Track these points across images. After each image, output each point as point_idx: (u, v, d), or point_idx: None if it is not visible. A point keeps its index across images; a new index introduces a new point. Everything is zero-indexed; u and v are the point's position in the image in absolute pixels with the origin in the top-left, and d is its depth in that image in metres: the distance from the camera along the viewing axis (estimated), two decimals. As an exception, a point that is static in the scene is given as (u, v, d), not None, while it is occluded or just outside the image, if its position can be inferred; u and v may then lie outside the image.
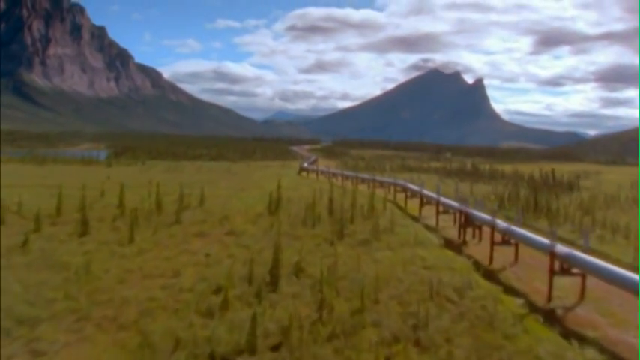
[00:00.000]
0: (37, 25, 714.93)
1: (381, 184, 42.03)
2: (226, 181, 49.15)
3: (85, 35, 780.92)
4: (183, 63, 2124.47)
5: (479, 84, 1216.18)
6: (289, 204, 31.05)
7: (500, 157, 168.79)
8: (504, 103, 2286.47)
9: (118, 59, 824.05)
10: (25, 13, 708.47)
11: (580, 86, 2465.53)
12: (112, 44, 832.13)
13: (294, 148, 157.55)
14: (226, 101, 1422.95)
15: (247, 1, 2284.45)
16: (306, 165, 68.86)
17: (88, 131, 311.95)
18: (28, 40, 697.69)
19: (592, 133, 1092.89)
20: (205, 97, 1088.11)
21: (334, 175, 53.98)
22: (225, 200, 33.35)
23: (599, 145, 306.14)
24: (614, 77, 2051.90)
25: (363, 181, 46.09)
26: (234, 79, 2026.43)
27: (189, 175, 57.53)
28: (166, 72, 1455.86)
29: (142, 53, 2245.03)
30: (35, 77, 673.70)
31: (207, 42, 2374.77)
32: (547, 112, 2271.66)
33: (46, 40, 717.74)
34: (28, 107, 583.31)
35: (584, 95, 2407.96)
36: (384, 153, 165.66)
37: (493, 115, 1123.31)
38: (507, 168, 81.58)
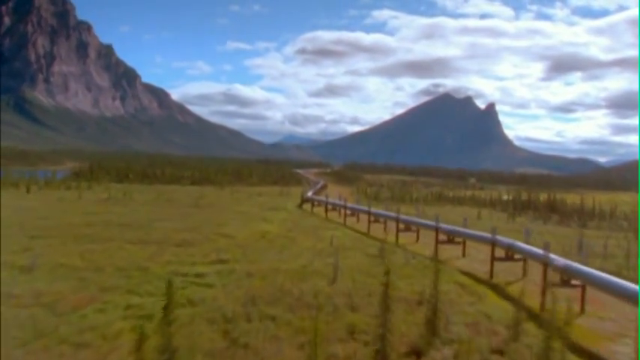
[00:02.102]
0: (42, 42, 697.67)
1: (451, 238, 21.83)
2: (177, 222, 29.33)
3: (92, 53, 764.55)
4: (193, 85, 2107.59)
5: (491, 109, 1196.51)
6: (257, 305, 11.44)
7: (535, 184, 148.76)
8: (514, 129, 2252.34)
9: (124, 78, 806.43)
10: (30, 29, 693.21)
11: (591, 113, 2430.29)
12: (119, 63, 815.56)
13: (300, 172, 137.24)
14: (236, 124, 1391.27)
15: (257, 24, 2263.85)
16: (310, 194, 48.47)
17: (85, 150, 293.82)
18: (32, 57, 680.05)
19: (603, 160, 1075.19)
20: (215, 119, 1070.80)
21: (354, 212, 33.92)
22: (101, 286, 13.79)
23: (626, 172, 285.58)
24: (625, 104, 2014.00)
25: (408, 226, 25.89)
26: (244, 102, 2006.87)
27: (130, 208, 37.71)
28: (176, 94, 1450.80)
29: (152, 75, 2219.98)
30: (38, 95, 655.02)
31: (217, 64, 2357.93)
32: (557, 139, 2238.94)
33: (51, 57, 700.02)
34: (29, 125, 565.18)
35: (595, 122, 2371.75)
36: (403, 178, 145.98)
37: (505, 141, 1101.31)
38: (558, 197, 61.67)
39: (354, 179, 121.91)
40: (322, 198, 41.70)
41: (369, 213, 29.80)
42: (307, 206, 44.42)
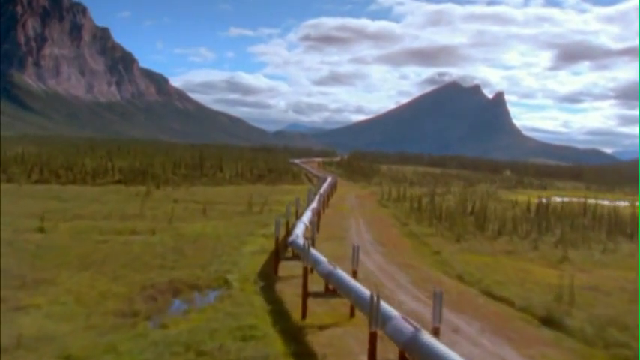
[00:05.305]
0: (32, 23, 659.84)
1: None
2: None
3: (86, 36, 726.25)
4: (195, 72, 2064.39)
5: (499, 98, 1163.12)
6: None
7: (593, 180, 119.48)
8: (520, 119, 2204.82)
9: (120, 63, 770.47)
10: (19, 10, 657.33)
11: (598, 103, 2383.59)
12: (116, 47, 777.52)
13: (297, 161, 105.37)
14: (239, 112, 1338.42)
15: (260, 9, 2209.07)
16: (299, 232, 16.96)
17: (61, 136, 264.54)
18: (22, 39, 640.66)
19: (609, 151, 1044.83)
20: (218, 107, 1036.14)
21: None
22: None
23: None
24: (634, 94, 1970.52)
25: None
26: (247, 90, 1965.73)
27: None
28: (178, 81, 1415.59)
29: (154, 62, 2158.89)
30: (27, 79, 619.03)
31: (220, 51, 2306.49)
32: (563, 129, 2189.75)
33: (42, 40, 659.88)
34: (16, 111, 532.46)
35: (602, 112, 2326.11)
36: (429, 170, 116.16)
37: (514, 131, 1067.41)
38: None
39: (371, 173, 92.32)
40: (348, 280, 10.95)
41: None
42: (291, 282, 15.09)
